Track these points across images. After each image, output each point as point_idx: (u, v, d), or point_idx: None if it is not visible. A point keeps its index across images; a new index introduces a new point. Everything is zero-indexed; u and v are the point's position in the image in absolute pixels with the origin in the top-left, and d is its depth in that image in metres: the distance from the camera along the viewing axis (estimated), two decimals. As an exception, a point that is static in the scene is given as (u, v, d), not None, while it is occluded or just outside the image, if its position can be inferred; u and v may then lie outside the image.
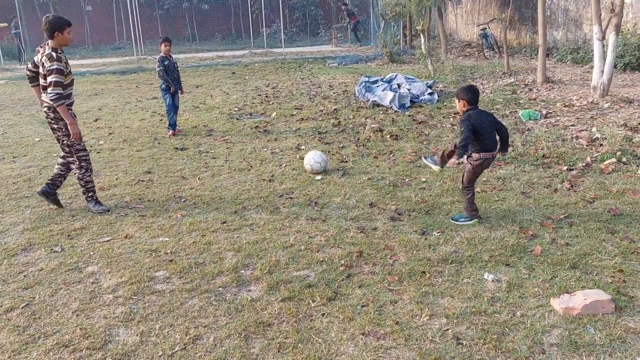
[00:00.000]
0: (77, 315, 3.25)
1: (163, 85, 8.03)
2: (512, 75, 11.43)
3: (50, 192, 5.04)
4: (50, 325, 3.17)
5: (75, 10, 26.93)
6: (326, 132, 7.74)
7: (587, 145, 6.13)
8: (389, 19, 17.67)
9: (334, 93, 10.81)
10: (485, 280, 3.42)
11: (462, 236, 4.06)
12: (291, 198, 5.12)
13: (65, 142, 4.85)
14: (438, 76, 11.60)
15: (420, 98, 9.33)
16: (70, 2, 27.49)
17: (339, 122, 8.23)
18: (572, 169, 5.45)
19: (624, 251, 3.69)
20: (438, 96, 9.47)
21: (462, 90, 4.23)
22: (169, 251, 4.08)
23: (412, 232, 4.21)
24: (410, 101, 9.11)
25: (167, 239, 4.32)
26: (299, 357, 2.77)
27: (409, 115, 8.41)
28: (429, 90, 9.62)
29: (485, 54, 15.30)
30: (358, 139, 7.21)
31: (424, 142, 6.84)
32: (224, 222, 4.59)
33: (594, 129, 6.68)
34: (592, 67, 8.98)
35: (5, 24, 21.87)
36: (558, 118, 7.58)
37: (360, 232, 4.25)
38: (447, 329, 2.94)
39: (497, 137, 4.23)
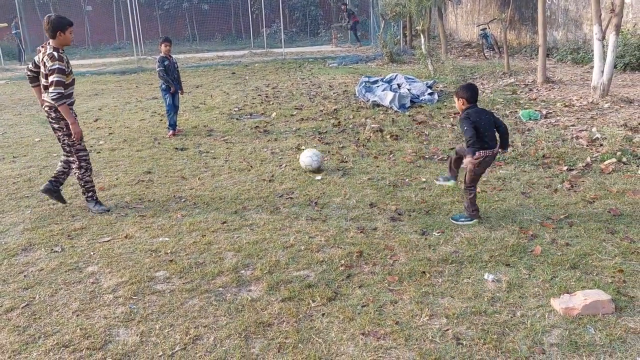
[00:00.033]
0: (77, 316, 3.25)
1: (163, 86, 8.03)
2: (512, 75, 11.44)
3: (53, 190, 5.05)
4: (51, 325, 3.17)
5: (76, 10, 26.94)
6: (326, 132, 7.74)
7: (587, 146, 6.13)
8: (389, 19, 17.67)
9: (334, 93, 10.80)
10: (485, 280, 3.42)
11: (462, 236, 4.06)
12: (291, 198, 5.12)
13: (65, 141, 4.85)
14: (438, 76, 11.60)
15: (421, 98, 9.33)
16: (71, 2, 27.50)
17: (339, 122, 8.23)
18: (572, 169, 5.45)
19: (624, 251, 3.69)
20: (438, 96, 9.47)
21: (461, 88, 4.25)
22: (169, 251, 4.08)
23: (412, 232, 4.21)
24: (411, 101, 9.11)
25: (167, 239, 4.32)
26: (299, 357, 2.78)
27: (409, 116, 8.41)
28: (429, 91, 9.62)
29: (486, 54, 15.29)
30: (358, 139, 7.21)
31: (424, 142, 6.84)
32: (224, 222, 4.59)
33: (594, 129, 6.68)
34: (592, 67, 8.98)
35: (6, 24, 21.89)
36: (558, 118, 7.58)
37: (360, 232, 4.25)
38: (447, 329, 2.94)
39: (497, 135, 4.24)
